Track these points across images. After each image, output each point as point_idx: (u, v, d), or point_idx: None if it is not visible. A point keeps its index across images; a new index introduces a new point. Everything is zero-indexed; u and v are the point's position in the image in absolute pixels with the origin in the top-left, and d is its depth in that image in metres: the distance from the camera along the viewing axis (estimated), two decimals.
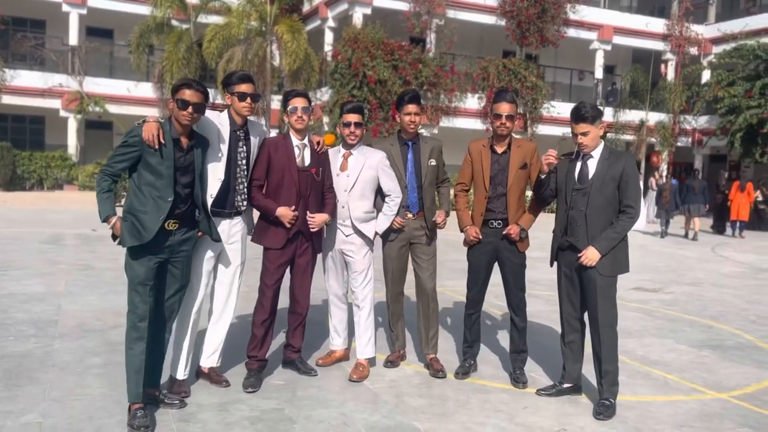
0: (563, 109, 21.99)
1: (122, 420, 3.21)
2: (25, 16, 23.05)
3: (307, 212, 3.92)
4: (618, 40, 25.10)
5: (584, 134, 3.62)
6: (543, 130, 22.74)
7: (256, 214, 4.00)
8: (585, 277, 3.67)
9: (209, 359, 3.86)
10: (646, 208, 18.07)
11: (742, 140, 21.74)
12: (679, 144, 25.32)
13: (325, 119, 20.62)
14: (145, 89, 22.24)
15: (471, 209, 4.23)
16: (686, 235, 15.42)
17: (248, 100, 3.70)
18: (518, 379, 4.11)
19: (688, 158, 26.38)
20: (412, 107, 4.25)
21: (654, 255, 11.95)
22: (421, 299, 4.38)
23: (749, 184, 16.66)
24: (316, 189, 3.99)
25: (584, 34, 24.49)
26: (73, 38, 22.17)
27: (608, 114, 24.29)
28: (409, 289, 4.52)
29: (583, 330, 3.85)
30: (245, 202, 3.78)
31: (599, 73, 25.26)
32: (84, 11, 22.33)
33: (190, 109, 3.27)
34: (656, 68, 24.17)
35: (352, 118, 4.12)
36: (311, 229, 3.94)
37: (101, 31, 23.80)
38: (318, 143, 4.06)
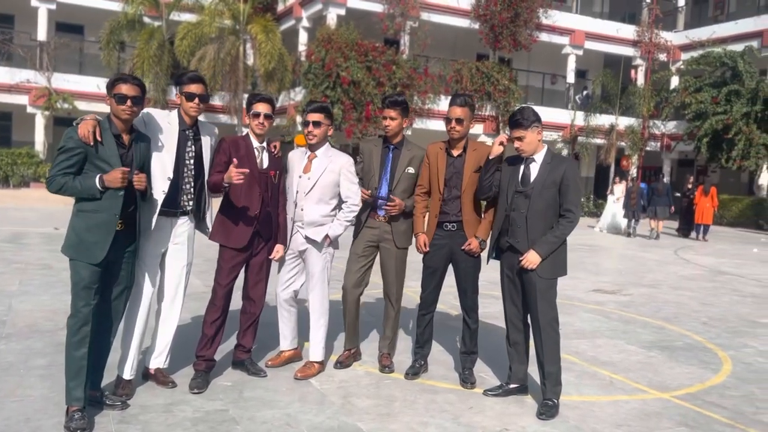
0: None
1: (61, 421, 3.17)
2: None
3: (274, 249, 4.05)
4: (590, 45, 25.47)
5: (519, 139, 3.69)
6: None
7: (213, 213, 3.98)
8: (525, 280, 3.73)
9: (156, 360, 3.84)
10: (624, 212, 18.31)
11: (708, 145, 22.23)
12: (648, 148, 25.78)
13: (299, 119, 20.54)
14: None
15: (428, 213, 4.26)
16: (651, 237, 15.76)
17: (196, 100, 3.70)
18: (467, 380, 4.16)
19: (658, 162, 26.87)
20: (387, 111, 4.27)
21: (617, 257, 12.15)
22: (385, 302, 4.42)
23: (713, 189, 17.03)
24: (274, 191, 4.02)
25: (556, 39, 24.79)
26: (42, 34, 21.74)
27: (580, 118, 24.66)
28: (375, 290, 4.52)
29: (527, 331, 3.91)
30: (191, 202, 3.76)
31: (571, 78, 25.60)
32: (53, 6, 21.92)
33: (128, 102, 3.27)
34: (626, 73, 24.59)
35: (312, 117, 4.09)
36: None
37: (71, 26, 23.39)
38: (275, 147, 4.07)
